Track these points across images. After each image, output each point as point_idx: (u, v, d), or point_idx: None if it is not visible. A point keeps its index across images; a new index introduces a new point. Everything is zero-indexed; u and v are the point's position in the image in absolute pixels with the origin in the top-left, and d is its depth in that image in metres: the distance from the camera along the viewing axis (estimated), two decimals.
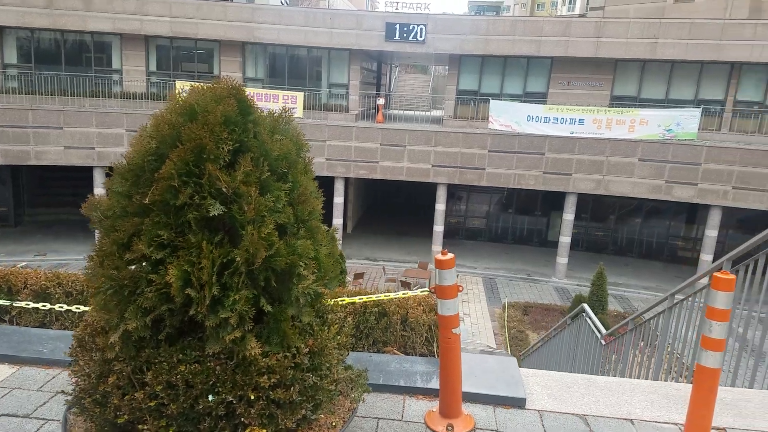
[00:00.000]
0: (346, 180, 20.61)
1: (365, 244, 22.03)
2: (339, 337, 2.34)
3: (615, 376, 4.47)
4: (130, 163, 2.03)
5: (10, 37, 21.17)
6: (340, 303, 2.92)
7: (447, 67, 23.01)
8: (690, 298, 3.48)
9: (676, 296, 3.66)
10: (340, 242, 19.61)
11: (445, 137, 18.92)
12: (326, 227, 2.40)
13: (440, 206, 19.40)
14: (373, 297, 2.90)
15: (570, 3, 68.21)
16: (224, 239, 2.02)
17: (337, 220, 19.85)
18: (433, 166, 19.01)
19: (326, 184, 20.01)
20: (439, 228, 19.60)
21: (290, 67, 21.79)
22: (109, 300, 2.13)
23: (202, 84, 2.08)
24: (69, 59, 21.44)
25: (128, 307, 2.08)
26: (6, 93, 20.62)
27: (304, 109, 19.86)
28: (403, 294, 3.04)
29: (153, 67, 21.81)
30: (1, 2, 19.66)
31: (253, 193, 1.94)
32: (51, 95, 20.18)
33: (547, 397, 3.14)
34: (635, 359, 4.07)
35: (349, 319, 3.36)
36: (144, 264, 2.10)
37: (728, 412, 3.07)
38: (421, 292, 2.98)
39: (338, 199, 19.75)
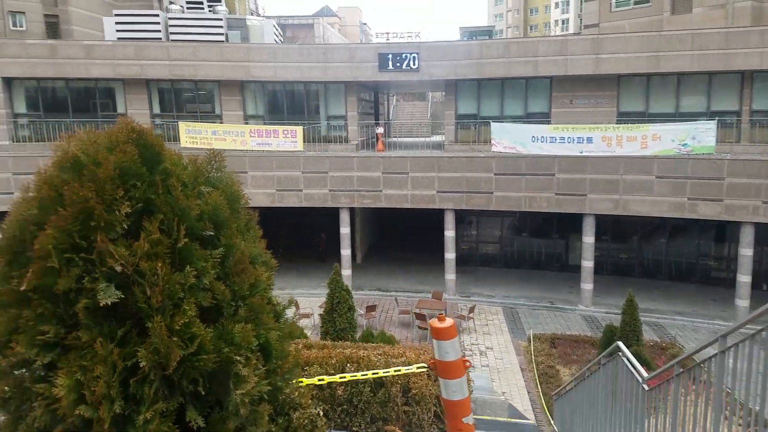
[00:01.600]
0: (352, 210, 20.15)
1: (376, 274, 21.40)
2: None
3: (663, 430, 3.82)
4: (5, 236, 1.54)
5: (19, 88, 21.24)
6: (318, 382, 2.36)
7: (444, 93, 22.71)
8: (748, 342, 2.87)
9: (728, 338, 3.05)
10: (350, 274, 19.02)
11: (448, 162, 18.43)
12: (281, 301, 1.85)
13: (449, 233, 18.80)
14: (359, 375, 2.29)
15: (563, 24, 68.50)
16: (130, 333, 1.50)
17: (345, 252, 19.30)
18: (438, 192, 18.48)
19: (333, 215, 19.59)
20: (450, 255, 18.96)
21: (289, 102, 21.59)
22: None
23: (101, 128, 1.60)
24: (75, 106, 21.42)
25: (18, 426, 1.55)
26: (18, 141, 20.59)
27: (304, 142, 19.54)
28: (395, 371, 2.43)
29: (157, 110, 21.72)
30: (8, 55, 19.76)
31: (160, 270, 1.43)
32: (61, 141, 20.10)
33: None
34: (687, 410, 3.41)
35: (339, 391, 2.79)
36: (34, 365, 1.58)
37: None
38: (418, 369, 2.35)
39: (344, 230, 19.24)
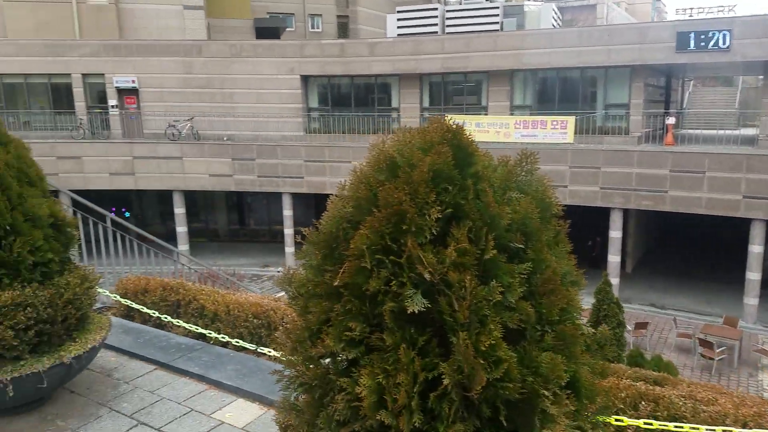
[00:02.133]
0: (625, 212, 18.41)
1: (649, 287, 19.23)
2: None
3: None
4: (322, 231, 1.65)
5: (314, 85, 24.99)
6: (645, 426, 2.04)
7: (761, 77, 18.93)
8: None
9: None
10: (617, 284, 17.46)
11: (760, 162, 15.37)
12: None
13: (756, 248, 15.71)
14: (702, 429, 1.84)
15: None
16: (431, 343, 1.47)
17: (614, 258, 17.76)
18: (744, 197, 15.57)
19: (602, 215, 18.17)
20: (754, 275, 15.87)
21: (561, 90, 20.70)
22: (299, 398, 1.77)
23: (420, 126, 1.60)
24: (357, 100, 24.26)
25: (320, 413, 1.68)
26: (310, 132, 24.36)
27: (575, 134, 18.53)
28: None
29: (426, 103, 23.18)
30: (307, 55, 23.37)
31: (468, 283, 1.36)
32: (343, 133, 23.05)
33: None
34: None
35: None
36: (339, 358, 1.68)
37: None
38: None
39: (615, 234, 17.70)
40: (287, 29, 36.19)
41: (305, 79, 24.38)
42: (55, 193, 4.89)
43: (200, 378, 3.43)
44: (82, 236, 7.59)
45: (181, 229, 22.31)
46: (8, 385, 2.84)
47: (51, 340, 3.08)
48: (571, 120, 18.44)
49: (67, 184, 20.02)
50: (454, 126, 1.51)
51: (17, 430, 2.98)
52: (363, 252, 1.46)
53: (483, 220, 1.45)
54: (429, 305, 1.40)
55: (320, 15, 41.70)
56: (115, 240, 7.41)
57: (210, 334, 3.66)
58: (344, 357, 1.57)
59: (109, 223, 7.27)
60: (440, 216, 1.43)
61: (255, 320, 3.82)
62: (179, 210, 22.21)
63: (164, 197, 23.52)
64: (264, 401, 3.25)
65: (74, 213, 6.13)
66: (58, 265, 3.21)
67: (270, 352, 3.43)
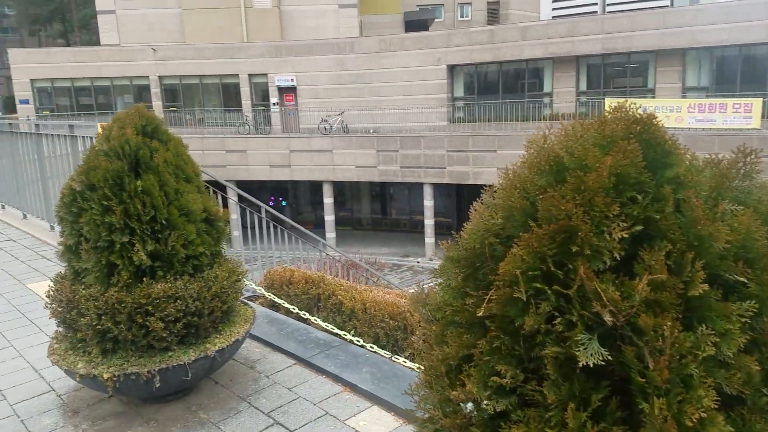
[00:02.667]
0: None
1: None
2: None
3: None
4: (464, 246, 1.36)
5: (460, 74, 24.59)
6: None
7: None
8: None
9: None
10: None
11: None
12: None
13: None
14: None
15: None
16: (610, 403, 1.11)
17: None
18: None
19: None
20: None
21: (744, 70, 18.05)
22: None
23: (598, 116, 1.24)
24: (506, 87, 23.42)
25: None
26: (453, 122, 24.05)
27: (762, 118, 16.03)
28: None
29: (583, 87, 21.66)
30: (454, 44, 23.02)
31: (667, 330, 0.98)
32: (488, 122, 22.41)
33: None
34: None
35: None
36: (483, 406, 1.38)
37: None
38: None
39: None
40: (436, 20, 36.11)
41: (451, 69, 24.06)
42: (218, 186, 5.26)
43: (336, 378, 3.33)
44: (239, 225, 8.16)
45: (329, 217, 23.34)
46: (155, 375, 2.95)
47: (198, 333, 3.17)
48: (757, 102, 15.98)
49: (234, 175, 21.91)
50: (643, 115, 1.12)
51: (164, 418, 3.10)
52: (516, 278, 1.14)
53: (687, 241, 1.05)
54: (609, 357, 1.04)
55: (469, 3, 40.98)
56: (268, 228, 7.81)
57: (345, 335, 3.55)
58: (490, 408, 1.27)
59: (263, 214, 7.67)
60: (626, 235, 1.06)
61: (391, 321, 3.66)
62: (328, 200, 23.25)
63: (315, 188, 24.77)
64: (399, 413, 3.06)
65: (237, 203, 6.54)
66: (209, 258, 3.29)
67: (405, 362, 3.23)
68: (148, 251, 3.06)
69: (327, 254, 9.91)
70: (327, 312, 3.99)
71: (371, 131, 23.09)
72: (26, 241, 7.69)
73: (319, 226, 23.43)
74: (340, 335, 3.59)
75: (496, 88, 23.62)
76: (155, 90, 26.87)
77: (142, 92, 27.44)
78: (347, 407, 3.10)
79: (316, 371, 3.46)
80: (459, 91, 24.69)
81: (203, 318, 3.13)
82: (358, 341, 3.49)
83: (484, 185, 1.48)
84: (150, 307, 2.98)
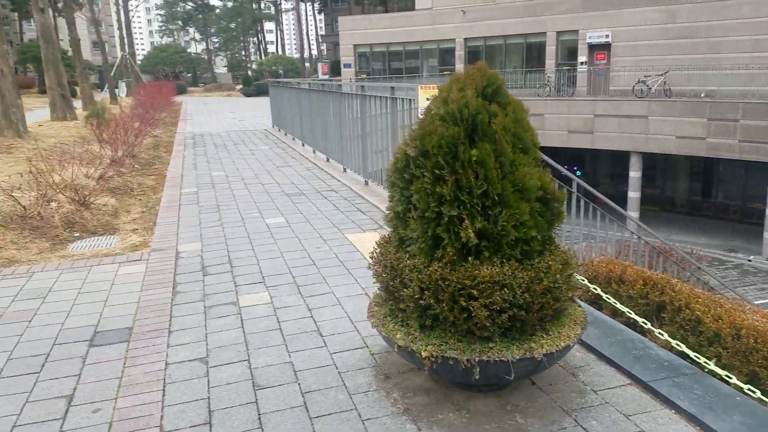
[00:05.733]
0: None
1: None
2: None
3: None
4: None
5: None
6: None
7: None
8: None
9: None
10: None
11: None
12: None
13: None
14: None
15: None
16: None
17: None
18: None
19: None
20: None
21: None
22: None
23: None
24: None
25: None
26: None
27: None
28: None
29: None
30: None
31: None
32: None
33: None
34: None
35: None
36: None
37: None
38: None
39: None
40: None
41: None
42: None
43: (692, 419, 2.65)
44: None
45: (634, 194, 21.15)
46: (475, 366, 2.73)
47: (523, 328, 2.85)
48: None
49: None
50: None
51: (476, 411, 2.89)
52: None
53: None
54: None
55: None
56: (578, 204, 7.16)
57: (707, 364, 2.80)
58: None
59: (574, 188, 7.04)
60: None
61: None
62: (635, 173, 21.03)
63: (618, 158, 22.66)
64: None
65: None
66: (540, 244, 2.91)
67: None
68: (476, 228, 2.83)
69: (632, 232, 8.82)
70: (674, 327, 3.27)
71: (702, 95, 19.85)
72: (344, 192, 8.57)
73: (618, 201, 21.48)
74: (696, 361, 2.86)
75: None
76: (459, 53, 27.82)
77: (445, 55, 28.74)
78: None
79: (661, 402, 2.83)
80: None
81: (531, 313, 2.78)
82: (729, 377, 2.72)
83: None
84: (474, 291, 2.75)
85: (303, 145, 13.84)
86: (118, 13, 45.97)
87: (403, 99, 7.05)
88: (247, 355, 3.58)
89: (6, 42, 13.22)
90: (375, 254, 3.32)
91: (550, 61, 24.84)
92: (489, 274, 2.75)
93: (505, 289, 2.75)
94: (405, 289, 2.93)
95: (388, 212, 3.21)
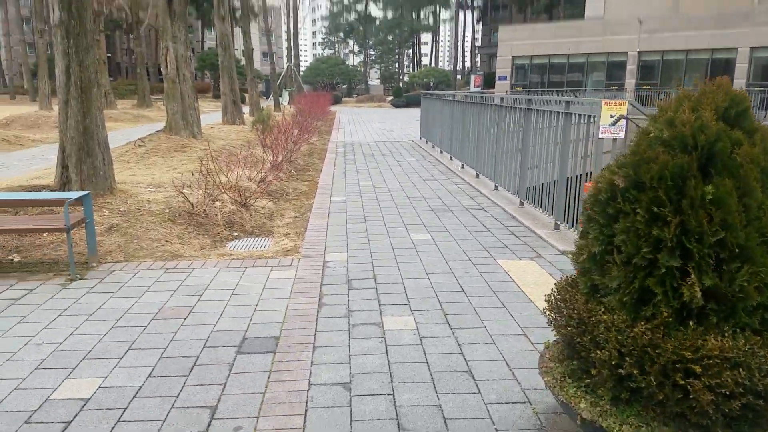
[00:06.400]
0: None
1: None
2: None
3: None
4: None
5: None
6: None
7: None
8: None
9: None
10: None
11: None
12: None
13: None
14: None
15: None
16: None
17: None
18: None
19: None
20: None
21: None
22: None
23: None
24: None
25: None
26: None
27: None
28: None
29: None
30: None
31: None
32: None
33: None
34: None
35: None
36: None
37: None
38: None
39: None
40: None
41: None
42: None
43: None
44: None
45: None
46: None
47: (756, 420, 2.19)
48: None
49: None
50: None
51: None
52: None
53: None
54: None
55: None
56: None
57: None
58: None
59: None
60: None
61: None
62: None
63: None
64: None
65: None
66: None
67: None
68: (704, 286, 2.23)
69: None
70: None
71: None
72: (496, 212, 8.05)
73: None
74: None
75: None
76: (631, 67, 25.84)
77: (613, 69, 26.84)
78: None
79: None
80: None
81: None
82: None
83: None
84: (697, 367, 2.16)
85: (451, 158, 13.53)
86: (288, 24, 49.34)
87: (580, 114, 6.40)
88: (391, 389, 3.26)
89: (189, 49, 14.46)
90: (554, 298, 2.82)
91: (739, 81, 22.11)
92: (719, 347, 2.15)
93: (740, 369, 2.13)
94: (598, 351, 2.40)
95: (579, 252, 2.69)
